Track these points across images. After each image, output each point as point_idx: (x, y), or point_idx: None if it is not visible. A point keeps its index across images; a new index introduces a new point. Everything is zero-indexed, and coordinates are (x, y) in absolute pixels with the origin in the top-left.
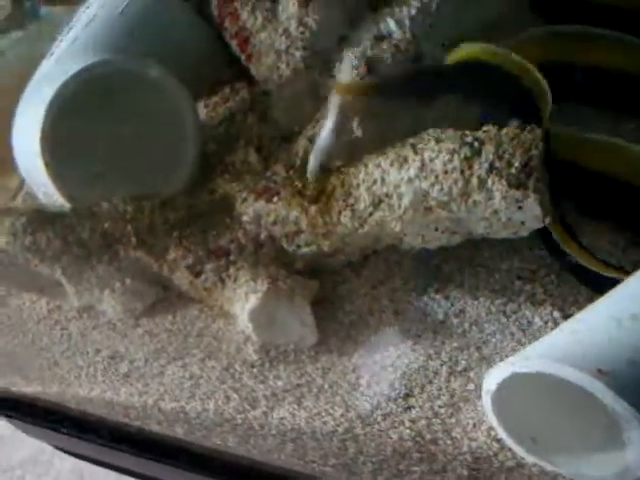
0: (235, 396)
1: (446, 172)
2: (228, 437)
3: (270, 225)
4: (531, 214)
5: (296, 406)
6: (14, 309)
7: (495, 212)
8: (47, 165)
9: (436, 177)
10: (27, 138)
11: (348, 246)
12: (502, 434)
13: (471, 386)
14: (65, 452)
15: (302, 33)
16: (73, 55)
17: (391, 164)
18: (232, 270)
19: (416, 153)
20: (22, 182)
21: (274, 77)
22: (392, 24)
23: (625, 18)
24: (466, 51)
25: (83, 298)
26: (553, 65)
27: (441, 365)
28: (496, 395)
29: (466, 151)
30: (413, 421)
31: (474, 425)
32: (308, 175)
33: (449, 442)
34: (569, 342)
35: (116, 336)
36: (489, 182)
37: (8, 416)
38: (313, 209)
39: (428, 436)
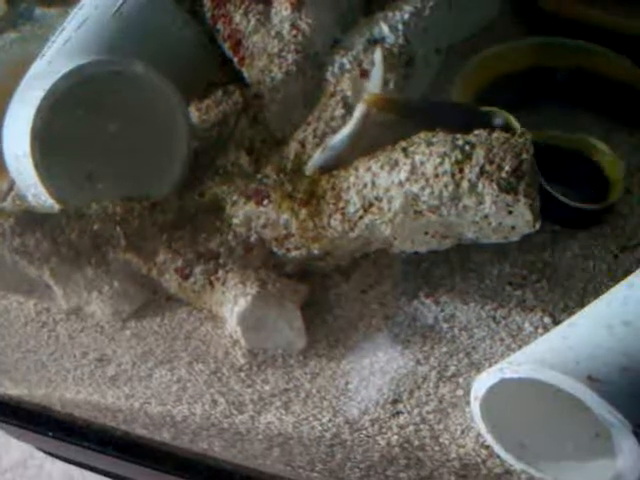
0: (222, 400)
1: (437, 176)
2: (214, 441)
3: (260, 228)
4: (522, 218)
5: (283, 411)
6: (1, 310)
7: (485, 216)
8: (37, 166)
9: (427, 181)
10: (17, 139)
11: (338, 250)
12: (490, 441)
13: (460, 392)
14: (51, 455)
15: (295, 36)
16: (65, 56)
17: (382, 167)
18: (221, 273)
19: (407, 156)
20: (12, 183)
21: (266, 80)
22: (385, 28)
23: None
24: None
25: (71, 300)
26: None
27: (430, 370)
28: (485, 401)
29: (457, 155)
30: (401, 427)
31: (462, 431)
32: (306, 169)
33: (437, 448)
34: (559, 348)
35: (104, 339)
36: (479, 186)
37: None
38: (303, 212)
39: (416, 442)
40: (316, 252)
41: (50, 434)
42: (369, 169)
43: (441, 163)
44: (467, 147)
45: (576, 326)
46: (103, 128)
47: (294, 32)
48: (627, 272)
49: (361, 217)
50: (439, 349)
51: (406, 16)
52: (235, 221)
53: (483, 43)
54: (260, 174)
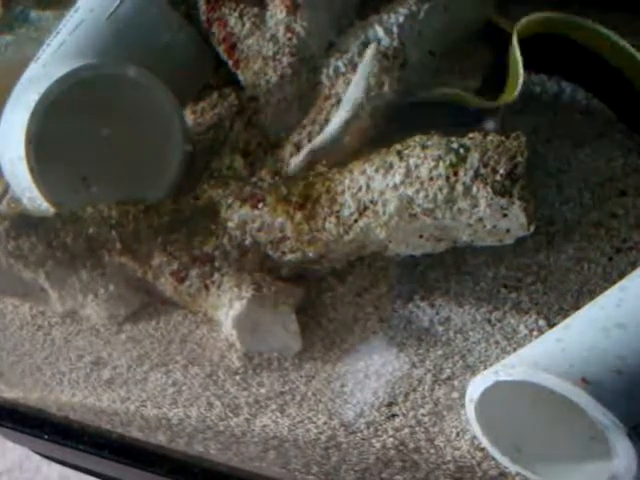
0: (218, 403)
1: (431, 179)
2: (210, 444)
3: (255, 231)
4: (516, 222)
5: (279, 414)
6: None
7: (480, 219)
8: (32, 169)
9: (421, 184)
10: (12, 142)
11: (333, 253)
12: (485, 443)
13: (455, 394)
14: (47, 458)
15: (290, 39)
16: (59, 60)
17: (376, 170)
18: (216, 276)
19: (401, 159)
20: (7, 187)
21: (261, 83)
22: (380, 31)
23: None
24: None
25: (66, 303)
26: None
27: (425, 373)
28: (480, 403)
29: (451, 158)
30: (396, 429)
31: (457, 434)
32: (289, 170)
33: (432, 451)
34: (554, 350)
35: (99, 342)
36: (474, 189)
37: None
38: (298, 215)
39: (411, 445)
40: (311, 255)
41: (46, 437)
42: (364, 172)
43: (436, 166)
44: (462, 150)
45: (570, 329)
46: (98, 131)
47: (289, 35)
48: (622, 274)
49: (356, 220)
50: (434, 352)
51: (401, 19)
52: (230, 224)
53: (478, 46)
54: (255, 177)
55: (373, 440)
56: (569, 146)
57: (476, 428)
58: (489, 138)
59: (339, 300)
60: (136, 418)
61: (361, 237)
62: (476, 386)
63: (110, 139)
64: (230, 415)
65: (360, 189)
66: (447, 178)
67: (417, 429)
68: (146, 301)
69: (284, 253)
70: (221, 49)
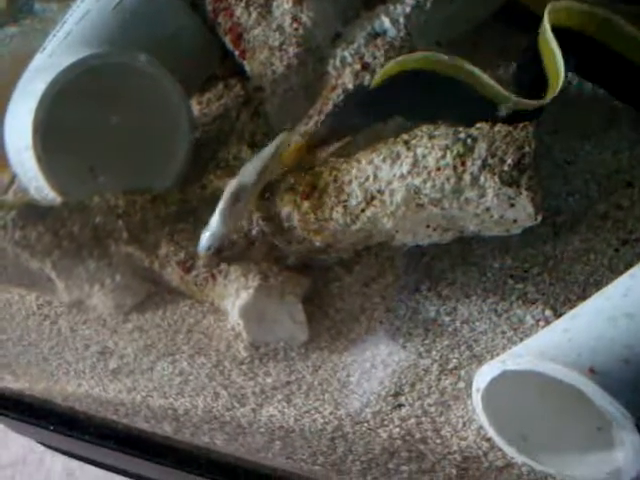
0: (224, 393)
1: (439, 169)
2: (216, 435)
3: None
4: (523, 212)
5: (285, 404)
6: (3, 304)
7: (487, 209)
8: (38, 159)
9: (429, 174)
10: (19, 132)
11: (340, 242)
12: (492, 433)
13: (461, 384)
14: (52, 449)
15: (296, 30)
16: (66, 49)
17: (384, 160)
18: (223, 266)
19: (409, 149)
20: (14, 176)
21: (268, 73)
22: (387, 22)
23: None
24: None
25: (73, 293)
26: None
27: (432, 363)
28: (486, 393)
29: (459, 148)
30: (403, 419)
31: (464, 424)
32: (202, 254)
33: (438, 441)
34: (561, 340)
35: (106, 332)
36: (481, 179)
37: None
38: (305, 205)
39: (417, 435)
40: (318, 245)
41: (51, 427)
42: (371, 162)
43: (443, 156)
44: (469, 140)
45: (578, 318)
46: (105, 121)
47: (295, 25)
48: (628, 266)
49: (363, 210)
50: (441, 342)
51: (408, 9)
52: None
53: (485, 36)
54: None
55: (379, 430)
56: (576, 138)
57: (482, 418)
58: (496, 128)
59: (346, 290)
60: (142, 408)
61: (368, 227)
62: (483, 376)
63: (117, 128)
64: (236, 405)
65: (367, 179)
66: (454, 168)
67: (423, 419)
68: (153, 291)
69: (291, 243)
70: (227, 39)
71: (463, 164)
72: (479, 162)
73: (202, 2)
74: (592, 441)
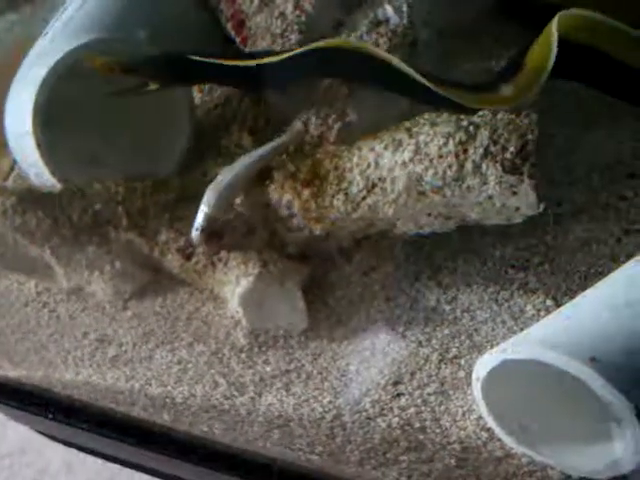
0: (223, 381)
1: (441, 156)
2: (215, 423)
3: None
4: (525, 200)
5: (284, 392)
6: (2, 290)
7: (489, 197)
8: (38, 145)
9: (430, 161)
10: (19, 118)
11: (340, 230)
12: (491, 423)
13: (461, 374)
14: (49, 438)
15: (298, 17)
16: (67, 35)
17: (385, 147)
18: (223, 253)
19: (411, 137)
20: (13, 162)
21: None
22: (390, 10)
23: None
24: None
25: (72, 280)
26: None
27: (432, 352)
28: (486, 383)
29: (461, 135)
30: (402, 409)
31: (463, 414)
32: (193, 236)
33: (438, 431)
34: (562, 329)
35: (105, 319)
36: (484, 167)
37: None
38: (306, 193)
39: (417, 424)
40: (318, 233)
41: (50, 416)
42: (372, 149)
43: (445, 143)
44: (471, 128)
45: (579, 307)
46: (105, 107)
47: (297, 12)
48: (630, 256)
49: (364, 198)
50: (441, 331)
51: None
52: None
53: (486, 27)
54: None
55: (378, 419)
56: (578, 127)
57: (482, 408)
58: (499, 116)
59: (346, 278)
60: (141, 396)
61: (369, 215)
62: (483, 365)
63: (117, 114)
64: (235, 394)
65: (369, 166)
66: (456, 155)
67: (423, 408)
68: (152, 278)
69: (291, 230)
70: (229, 26)
71: (465, 152)
72: (481, 150)
73: None
74: (592, 432)
